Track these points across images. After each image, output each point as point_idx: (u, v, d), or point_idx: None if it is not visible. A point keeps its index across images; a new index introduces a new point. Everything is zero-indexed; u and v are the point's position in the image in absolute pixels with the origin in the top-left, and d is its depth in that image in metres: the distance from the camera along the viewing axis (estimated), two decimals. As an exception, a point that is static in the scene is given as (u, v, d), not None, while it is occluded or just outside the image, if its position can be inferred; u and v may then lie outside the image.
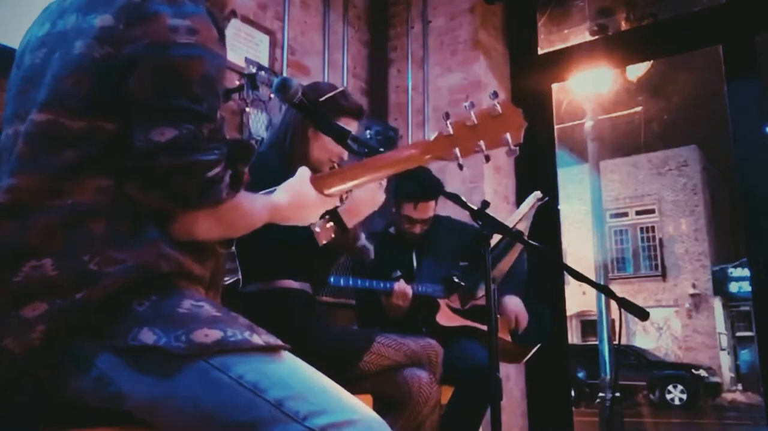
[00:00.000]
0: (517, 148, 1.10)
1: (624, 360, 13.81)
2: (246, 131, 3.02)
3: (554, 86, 4.17)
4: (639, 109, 14.46)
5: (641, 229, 19.85)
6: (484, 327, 1.93)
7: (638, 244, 19.75)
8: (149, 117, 0.90)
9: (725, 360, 18.32)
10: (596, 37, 5.66)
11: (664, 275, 19.07)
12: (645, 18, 5.59)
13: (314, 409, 0.87)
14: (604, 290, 1.56)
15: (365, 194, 1.49)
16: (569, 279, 1.69)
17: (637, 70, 7.69)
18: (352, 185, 1.21)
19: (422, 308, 2.39)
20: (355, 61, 4.07)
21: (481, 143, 1.10)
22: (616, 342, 7.99)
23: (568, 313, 6.03)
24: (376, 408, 1.78)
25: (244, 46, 3.23)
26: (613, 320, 7.29)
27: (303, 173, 1.20)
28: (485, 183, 3.66)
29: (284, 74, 3.41)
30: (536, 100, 3.96)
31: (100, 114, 0.91)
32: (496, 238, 1.82)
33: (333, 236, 1.44)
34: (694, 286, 18.45)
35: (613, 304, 1.44)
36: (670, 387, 13.93)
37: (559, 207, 3.95)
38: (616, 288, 1.67)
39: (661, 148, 19.11)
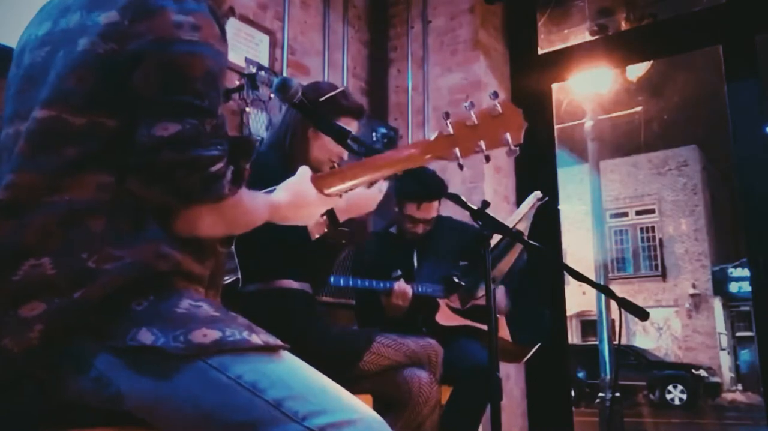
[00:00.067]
0: (518, 148, 1.10)
1: (624, 360, 13.81)
2: (246, 131, 3.02)
3: (554, 86, 4.17)
4: (639, 109, 14.48)
5: (641, 229, 19.86)
6: (484, 327, 1.93)
7: (638, 244, 19.76)
8: (153, 112, 0.90)
9: (725, 360, 18.32)
10: (596, 37, 5.66)
11: (664, 275, 19.07)
12: (645, 18, 5.59)
13: (313, 409, 0.86)
14: (604, 290, 1.57)
15: (361, 193, 1.49)
16: (569, 279, 1.69)
17: (637, 70, 7.69)
18: (353, 184, 1.21)
19: (422, 308, 2.39)
20: (355, 61, 4.07)
21: (482, 143, 1.10)
22: (616, 342, 7.99)
23: (568, 313, 6.03)
24: (376, 407, 1.77)
25: (244, 46, 3.23)
26: (613, 320, 7.28)
27: (303, 172, 1.20)
28: (485, 183, 3.66)
29: (284, 74, 3.41)
30: (536, 100, 3.96)
31: (102, 110, 0.91)
32: (496, 238, 1.82)
33: (325, 230, 1.45)
34: (694, 286, 18.45)
35: (613, 304, 1.44)
36: (670, 387, 13.93)
37: (559, 207, 3.95)
38: (616, 288, 1.67)
39: (661, 148, 19.11)
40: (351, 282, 2.25)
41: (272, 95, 3.04)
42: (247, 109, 3.05)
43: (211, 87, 0.93)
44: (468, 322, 2.44)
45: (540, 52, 4.22)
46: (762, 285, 3.29)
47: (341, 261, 2.50)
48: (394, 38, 4.27)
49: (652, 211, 19.72)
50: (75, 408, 0.92)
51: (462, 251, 2.44)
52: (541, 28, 4.54)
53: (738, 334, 19.03)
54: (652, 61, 7.07)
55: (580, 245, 15.48)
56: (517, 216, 2.04)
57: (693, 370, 14.20)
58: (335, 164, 1.85)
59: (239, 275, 1.51)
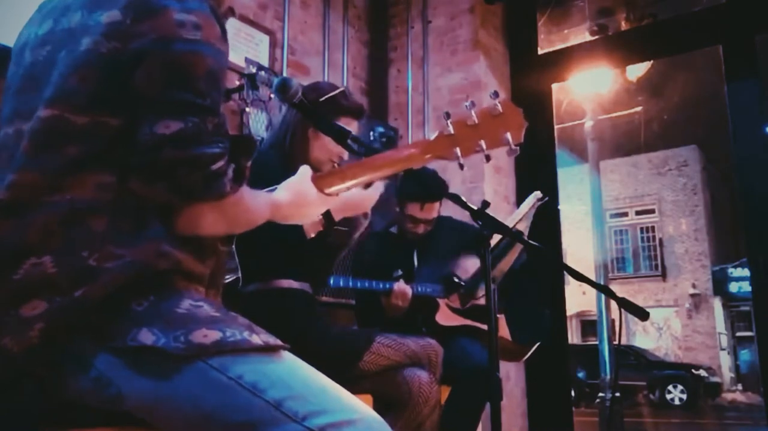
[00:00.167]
0: (518, 147, 1.10)
1: (624, 360, 13.81)
2: (246, 131, 3.02)
3: (554, 86, 4.17)
4: (639, 109, 14.47)
5: (641, 229, 19.86)
6: (484, 327, 1.93)
7: (638, 244, 19.76)
8: (155, 111, 0.90)
9: (725, 360, 18.32)
10: (596, 37, 5.66)
11: (664, 275, 19.07)
12: (645, 18, 5.59)
13: (313, 409, 0.87)
14: (604, 290, 1.56)
15: (358, 193, 1.49)
16: (569, 279, 1.69)
17: (637, 70, 7.69)
18: (353, 183, 1.21)
19: (422, 308, 2.39)
20: (355, 61, 4.07)
21: (482, 142, 1.10)
22: (616, 342, 7.97)
23: (568, 313, 6.03)
24: (376, 407, 1.77)
25: (244, 46, 3.23)
26: (613, 320, 7.28)
27: (304, 171, 1.20)
28: (485, 183, 3.66)
29: (284, 74, 3.41)
30: (536, 100, 3.95)
31: (105, 109, 0.92)
32: (496, 238, 1.82)
33: (321, 228, 1.45)
34: (694, 286, 18.45)
35: (613, 304, 1.44)
36: (670, 387, 13.93)
37: (559, 207, 3.95)
38: (616, 288, 1.67)
39: (661, 148, 19.11)
40: (351, 283, 2.24)
41: (272, 95, 3.04)
42: (247, 109, 3.05)
43: (212, 86, 0.93)
44: (468, 322, 2.44)
45: (540, 52, 4.22)
46: (762, 285, 3.29)
47: (341, 261, 2.50)
48: (394, 38, 4.27)
49: (652, 211, 19.72)
50: (75, 407, 0.92)
51: (462, 251, 2.44)
52: (541, 28, 4.54)
53: (738, 334, 19.03)
54: (652, 61, 7.07)
55: (580, 245, 15.48)
56: (517, 216, 2.04)
57: (693, 370, 14.20)
58: (335, 164, 1.85)
59: (239, 275, 1.51)
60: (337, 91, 1.87)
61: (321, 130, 1.63)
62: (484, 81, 3.85)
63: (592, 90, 8.32)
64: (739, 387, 17.92)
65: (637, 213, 19.91)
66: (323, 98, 1.84)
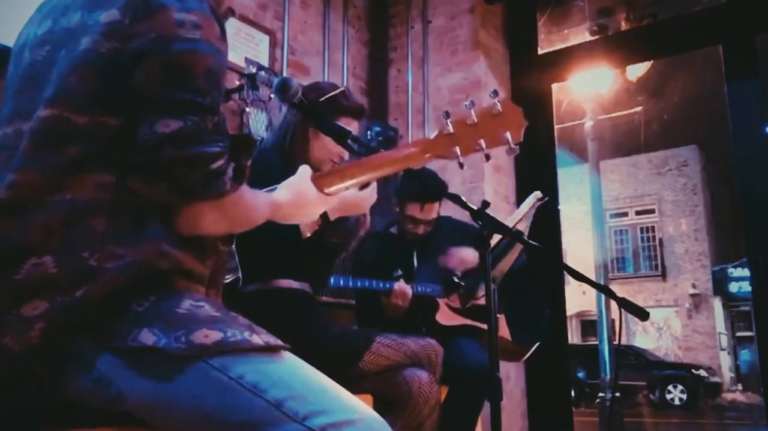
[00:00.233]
0: (518, 146, 1.10)
1: (624, 360, 13.80)
2: (246, 131, 3.02)
3: (554, 86, 4.17)
4: (639, 109, 14.47)
5: (641, 229, 19.85)
6: (484, 326, 1.92)
7: (638, 244, 19.76)
8: (154, 110, 0.90)
9: (725, 360, 18.32)
10: (596, 37, 5.66)
11: (664, 275, 19.07)
12: (645, 18, 5.59)
13: (314, 409, 0.87)
14: (604, 290, 1.56)
15: (354, 194, 1.49)
16: (569, 279, 1.69)
17: (637, 70, 7.69)
18: (353, 183, 1.21)
19: (422, 307, 2.39)
20: (355, 61, 4.07)
21: (482, 141, 1.10)
22: (616, 342, 7.98)
23: (568, 313, 6.03)
24: (377, 407, 1.77)
25: (244, 46, 3.23)
26: (613, 320, 7.28)
27: (304, 171, 1.20)
28: (485, 183, 3.66)
29: (284, 74, 3.40)
30: (536, 100, 3.95)
31: (104, 109, 0.92)
32: (496, 238, 1.82)
33: (317, 228, 1.45)
34: (694, 286, 18.45)
35: (613, 304, 1.44)
36: (670, 387, 13.93)
37: (559, 207, 3.95)
38: (616, 288, 1.67)
39: (661, 148, 19.10)
40: (351, 283, 2.24)
41: (272, 95, 3.04)
42: (247, 109, 3.05)
43: (212, 85, 0.93)
44: (468, 321, 2.44)
45: (540, 52, 4.22)
46: (762, 285, 3.29)
47: (341, 261, 2.50)
48: (394, 38, 4.27)
49: (652, 211, 19.71)
50: (75, 407, 0.92)
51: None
52: (541, 28, 4.54)
53: (738, 334, 19.02)
54: (652, 61, 7.08)
55: (580, 245, 15.48)
56: (517, 216, 2.04)
57: (693, 370, 14.20)
58: (335, 164, 1.85)
59: (239, 275, 1.51)
60: (337, 91, 1.87)
61: (321, 130, 1.63)
62: (484, 81, 3.85)
63: (592, 90, 8.32)
64: (739, 387, 17.91)
65: (637, 213, 19.91)
66: (323, 98, 1.84)
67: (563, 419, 3.70)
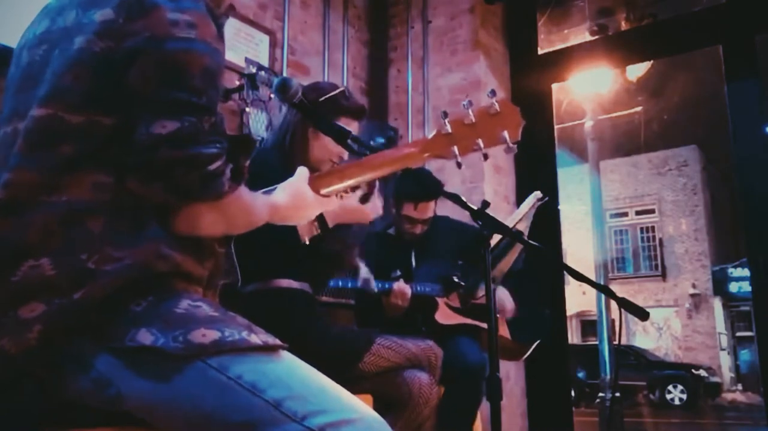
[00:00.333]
0: (516, 145, 1.10)
1: (624, 360, 13.80)
2: (246, 131, 3.01)
3: (554, 86, 4.17)
4: (639, 109, 14.47)
5: (641, 229, 19.85)
6: (484, 325, 1.92)
7: (638, 244, 19.75)
8: (150, 110, 0.90)
9: (725, 360, 18.32)
10: (596, 37, 5.66)
11: (664, 275, 19.07)
12: (645, 18, 5.59)
13: (313, 409, 0.86)
14: (604, 290, 1.56)
15: (355, 205, 1.50)
16: (569, 279, 1.69)
17: (637, 70, 7.69)
18: (351, 183, 1.21)
19: (421, 307, 2.39)
20: (355, 61, 4.07)
21: (480, 141, 1.10)
22: (616, 342, 7.98)
23: (568, 313, 6.02)
24: (377, 408, 1.77)
25: (244, 46, 3.23)
26: (613, 320, 7.28)
27: (301, 172, 1.20)
28: (485, 183, 3.66)
29: (284, 74, 3.40)
30: (536, 100, 3.95)
31: (99, 108, 0.91)
32: (496, 238, 1.82)
33: (315, 233, 1.45)
34: (694, 286, 18.44)
35: (613, 304, 1.44)
36: (670, 387, 13.93)
37: (559, 207, 3.95)
38: (616, 288, 1.67)
39: (661, 148, 19.10)
40: (350, 284, 2.25)
41: (272, 95, 3.04)
42: (247, 109, 3.05)
43: (208, 84, 0.93)
44: (467, 320, 2.44)
45: (540, 52, 4.22)
46: (762, 285, 3.29)
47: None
48: (394, 38, 4.27)
49: (652, 211, 19.71)
50: (75, 407, 0.92)
51: (461, 251, 2.44)
52: (541, 28, 4.54)
53: (738, 334, 19.02)
54: (652, 61, 7.07)
55: (580, 245, 15.47)
56: (517, 216, 2.04)
57: (693, 370, 14.20)
58: (335, 164, 1.85)
59: (238, 275, 1.51)
60: (337, 91, 1.87)
61: (321, 130, 1.63)
62: (484, 81, 3.85)
63: (592, 90, 8.32)
64: (739, 387, 17.91)
65: (637, 213, 19.91)
66: (323, 98, 1.83)
67: (563, 419, 3.70)
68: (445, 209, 2.61)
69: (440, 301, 2.44)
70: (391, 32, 4.29)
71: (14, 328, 0.85)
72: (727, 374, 18.16)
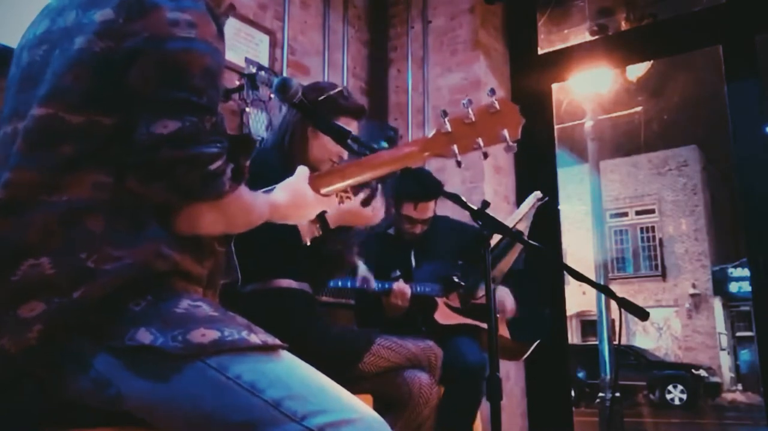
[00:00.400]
0: (515, 144, 1.10)
1: (624, 360, 13.80)
2: (246, 131, 3.01)
3: (554, 86, 4.17)
4: (639, 109, 14.47)
5: (641, 229, 19.85)
6: (484, 325, 1.92)
7: (638, 244, 19.75)
8: (151, 110, 0.90)
9: (725, 360, 18.31)
10: (596, 37, 5.66)
11: (664, 275, 19.07)
12: (645, 18, 5.59)
13: (313, 409, 0.86)
14: (604, 290, 1.56)
15: (357, 208, 1.50)
16: (569, 279, 1.69)
17: (637, 70, 7.69)
18: (351, 182, 1.21)
19: (421, 307, 2.39)
20: (355, 61, 4.07)
21: (479, 139, 1.10)
22: (616, 342, 7.98)
23: (568, 313, 6.03)
24: (377, 408, 1.77)
25: (244, 46, 3.23)
26: (613, 320, 7.28)
27: (302, 172, 1.20)
28: (485, 183, 3.66)
29: (284, 74, 3.40)
30: (536, 100, 3.95)
31: (99, 108, 0.91)
32: (496, 238, 1.82)
33: (316, 234, 1.45)
34: (694, 286, 18.44)
35: (613, 304, 1.44)
36: (670, 387, 13.93)
37: (559, 207, 3.95)
38: (616, 288, 1.67)
39: (661, 148, 19.10)
40: (350, 284, 2.25)
41: (272, 95, 3.04)
42: (247, 109, 3.05)
43: (209, 84, 0.93)
44: (467, 320, 2.44)
45: (540, 52, 4.22)
46: (762, 285, 3.29)
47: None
48: (394, 38, 4.27)
49: (652, 211, 19.71)
50: (75, 407, 0.92)
51: (460, 251, 2.44)
52: (541, 28, 4.54)
53: (738, 334, 19.02)
54: (652, 61, 7.07)
55: (580, 245, 15.47)
56: (517, 216, 2.04)
57: (693, 370, 14.20)
58: (334, 164, 1.85)
59: (238, 275, 1.51)
60: (336, 91, 1.87)
61: (320, 129, 1.63)
62: (484, 81, 3.85)
63: (592, 90, 8.32)
64: (739, 387, 17.91)
65: (637, 213, 19.91)
66: (322, 98, 1.83)
67: (563, 419, 3.70)
68: (445, 209, 2.61)
69: (440, 301, 2.44)
70: (391, 32, 4.29)
71: (14, 327, 0.85)
72: (727, 374, 18.16)
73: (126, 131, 0.91)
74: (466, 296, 2.37)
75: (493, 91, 1.11)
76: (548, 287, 3.59)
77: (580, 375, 12.95)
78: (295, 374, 0.91)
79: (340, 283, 2.25)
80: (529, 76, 4.06)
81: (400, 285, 2.26)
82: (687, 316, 18.41)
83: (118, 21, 0.92)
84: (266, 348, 0.91)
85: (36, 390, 0.90)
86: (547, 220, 3.60)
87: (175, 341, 0.86)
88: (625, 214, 20.06)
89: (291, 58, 3.54)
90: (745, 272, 15.81)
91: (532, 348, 2.51)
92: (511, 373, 3.65)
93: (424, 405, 1.85)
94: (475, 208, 1.50)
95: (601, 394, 6.84)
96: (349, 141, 1.39)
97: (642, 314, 1.44)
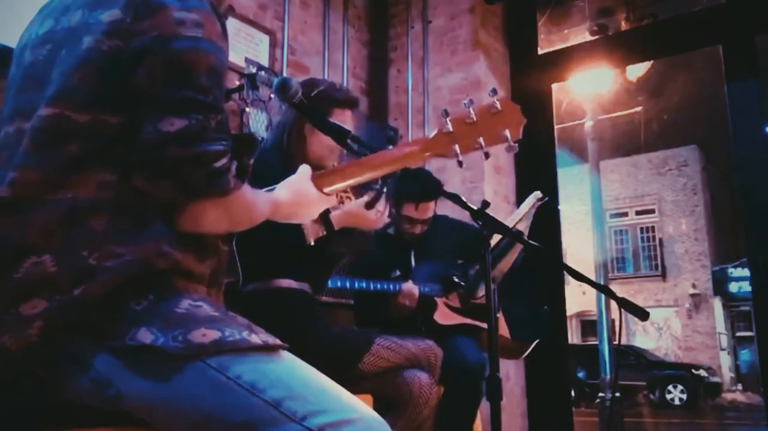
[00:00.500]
0: (517, 144, 1.10)
1: (624, 360, 13.81)
2: (246, 131, 3.02)
3: (554, 86, 4.17)
4: (639, 109, 14.46)
5: (641, 229, 19.85)
6: (483, 325, 1.92)
7: (638, 244, 19.76)
8: (158, 109, 0.90)
9: (725, 360, 18.32)
10: (596, 37, 5.67)
11: (664, 275, 19.07)
12: (645, 18, 5.60)
13: (313, 409, 0.86)
14: (604, 290, 1.56)
15: (360, 210, 1.50)
16: (569, 279, 1.69)
17: (637, 70, 7.69)
18: (353, 182, 1.21)
19: (421, 307, 2.39)
20: (355, 61, 4.07)
21: (481, 139, 1.10)
22: (616, 342, 7.97)
23: (568, 313, 6.03)
24: (377, 408, 1.77)
25: (244, 46, 3.22)
26: (613, 320, 7.28)
27: (304, 170, 1.20)
28: (485, 183, 3.66)
29: (284, 74, 3.40)
30: (536, 100, 3.95)
31: (106, 108, 0.92)
32: (496, 238, 1.82)
33: (320, 234, 1.45)
34: (694, 286, 18.45)
35: (613, 304, 1.44)
36: (670, 387, 13.93)
37: (559, 207, 3.95)
38: (616, 288, 1.67)
39: (661, 148, 19.11)
40: (357, 284, 2.24)
41: (272, 95, 3.04)
42: (247, 109, 3.05)
43: (215, 83, 0.94)
44: (467, 320, 2.44)
45: (540, 52, 4.22)
46: (762, 285, 3.29)
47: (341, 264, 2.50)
48: (394, 38, 4.27)
49: (652, 211, 19.72)
50: (75, 407, 0.92)
51: (460, 250, 2.44)
52: (541, 28, 4.54)
53: (738, 334, 19.02)
54: (652, 61, 7.07)
55: (580, 245, 15.47)
56: (517, 216, 2.04)
57: (693, 370, 14.20)
58: (335, 162, 1.85)
59: (240, 273, 1.51)
60: (327, 84, 1.89)
61: (319, 128, 1.63)
62: (484, 81, 3.85)
63: (592, 90, 8.32)
64: (739, 387, 17.91)
65: (637, 213, 19.91)
66: (314, 92, 1.84)
67: (563, 419, 3.70)
68: (445, 209, 2.61)
69: (439, 301, 2.44)
70: (391, 32, 4.29)
71: (15, 325, 0.85)
72: (727, 374, 18.16)
73: (132, 130, 0.91)
74: (466, 296, 2.37)
75: (495, 91, 1.11)
76: (548, 286, 3.59)
77: (580, 375, 12.95)
78: (295, 374, 0.91)
79: (339, 283, 2.25)
80: (529, 76, 4.06)
81: (408, 286, 2.27)
82: (687, 316, 18.41)
83: (126, 21, 0.92)
84: (267, 348, 0.91)
85: (36, 389, 0.90)
86: (547, 220, 3.60)
87: (176, 341, 0.86)
88: (625, 214, 20.06)
89: (291, 58, 3.54)
90: (745, 272, 15.82)
91: (531, 347, 2.51)
92: (511, 373, 3.65)
93: (423, 405, 1.85)
94: (475, 208, 1.50)
95: (601, 394, 6.84)
96: (348, 141, 1.39)
97: (642, 314, 1.44)
